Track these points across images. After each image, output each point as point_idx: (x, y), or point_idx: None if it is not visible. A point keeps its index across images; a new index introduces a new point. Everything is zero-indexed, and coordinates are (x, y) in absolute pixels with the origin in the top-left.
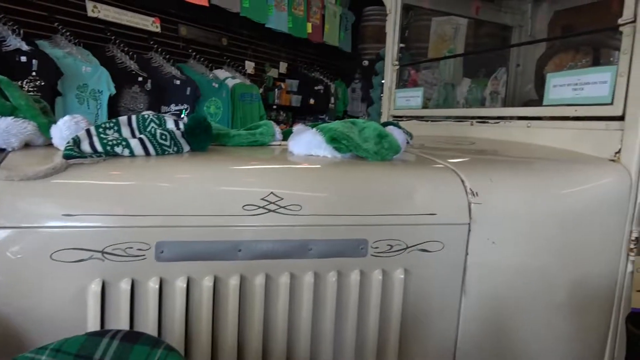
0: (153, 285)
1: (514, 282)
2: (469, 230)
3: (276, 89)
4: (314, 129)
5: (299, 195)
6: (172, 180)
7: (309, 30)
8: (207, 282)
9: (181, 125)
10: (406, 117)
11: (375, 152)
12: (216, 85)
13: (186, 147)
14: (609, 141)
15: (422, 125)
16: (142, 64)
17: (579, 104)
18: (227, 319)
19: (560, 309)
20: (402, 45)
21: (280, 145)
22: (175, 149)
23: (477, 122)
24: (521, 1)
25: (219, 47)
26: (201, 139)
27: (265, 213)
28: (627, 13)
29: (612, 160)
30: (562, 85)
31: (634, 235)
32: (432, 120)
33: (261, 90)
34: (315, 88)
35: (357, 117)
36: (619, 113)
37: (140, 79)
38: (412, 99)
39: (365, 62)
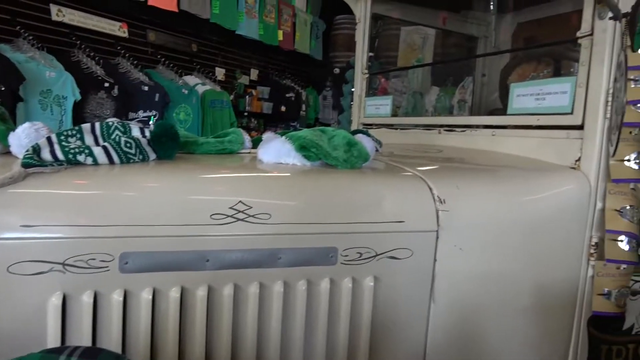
0: (117, 297)
1: (481, 288)
2: (437, 237)
3: (247, 96)
4: (283, 137)
5: (268, 203)
6: (137, 189)
7: (280, 37)
8: (174, 294)
9: (147, 133)
10: (376, 125)
11: (344, 160)
12: (186, 92)
13: (152, 156)
14: (570, 149)
15: (391, 133)
16: (109, 70)
17: (541, 114)
18: (195, 330)
19: (525, 313)
20: (371, 54)
21: (249, 153)
22: (141, 157)
23: (444, 130)
24: (486, 13)
25: (189, 53)
26: (168, 146)
27: (233, 222)
28: (585, 26)
29: (573, 168)
30: (525, 95)
31: (594, 240)
32: (401, 128)
33: (232, 97)
34: (287, 95)
35: (329, 125)
36: (579, 122)
37: (106, 84)
38: (381, 107)
39: (337, 70)
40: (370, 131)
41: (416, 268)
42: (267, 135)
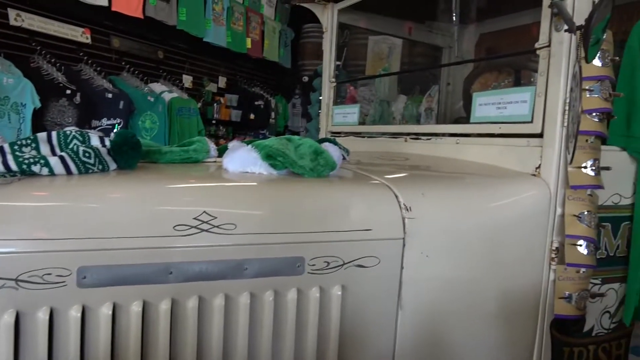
0: (74, 314)
1: (447, 294)
2: (404, 245)
3: (215, 104)
4: (249, 146)
5: (234, 213)
6: (96, 201)
7: (249, 45)
8: (136, 308)
9: (107, 142)
10: (344, 133)
11: (311, 169)
12: (152, 99)
13: (113, 165)
14: (530, 157)
15: (359, 141)
16: (71, 76)
17: (502, 122)
18: (158, 345)
19: (490, 318)
20: (338, 62)
21: (215, 162)
22: (101, 167)
23: (410, 138)
24: (449, 24)
25: (155, 60)
26: (129, 156)
27: (197, 233)
28: (543, 38)
29: (534, 175)
30: (487, 104)
31: (555, 245)
32: (368, 136)
33: (200, 104)
34: (256, 103)
35: (298, 132)
36: (538, 130)
37: (68, 91)
38: (349, 115)
39: (305, 78)
40: (338, 139)
41: (383, 276)
42: (232, 144)
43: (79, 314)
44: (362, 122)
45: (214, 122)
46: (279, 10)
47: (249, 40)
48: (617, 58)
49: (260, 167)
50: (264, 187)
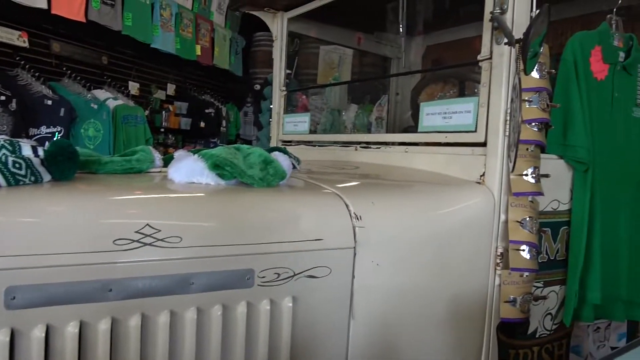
0: (2, 338)
1: (398, 301)
2: (355, 254)
3: (164, 112)
4: (196, 155)
5: (179, 226)
6: (27, 214)
7: (198, 52)
8: (72, 329)
9: (40, 152)
10: (295, 141)
11: (260, 179)
12: (95, 106)
13: (47, 177)
14: (475, 165)
15: (310, 150)
16: (6, 82)
17: (448, 131)
18: None
19: (440, 324)
20: (289, 71)
21: (160, 172)
22: (33, 178)
23: (361, 147)
24: (397, 35)
25: (99, 65)
26: (64, 166)
27: (140, 247)
28: (484, 50)
29: (478, 183)
30: (433, 114)
31: (499, 250)
32: (319, 145)
33: (147, 112)
34: (206, 111)
35: (251, 141)
36: (482, 140)
37: (3, 97)
38: (299, 124)
39: (257, 87)
40: (289, 148)
41: (335, 286)
42: (178, 154)
43: (7, 339)
44: (313, 131)
45: (162, 130)
46: (230, 18)
47: (198, 47)
48: (554, 71)
49: (208, 177)
50: (211, 197)
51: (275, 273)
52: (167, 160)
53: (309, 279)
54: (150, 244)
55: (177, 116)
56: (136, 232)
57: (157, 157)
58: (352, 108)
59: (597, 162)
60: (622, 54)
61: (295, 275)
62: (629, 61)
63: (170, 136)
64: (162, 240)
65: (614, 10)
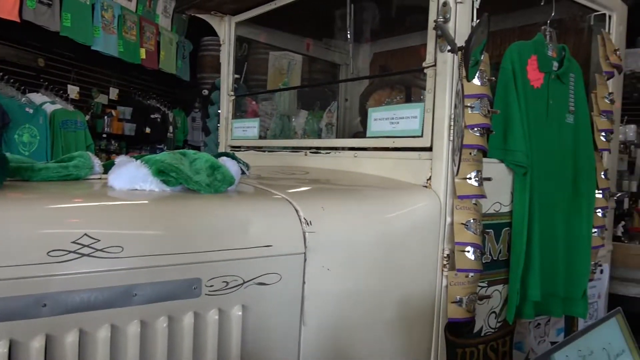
0: None
1: (349, 305)
2: (305, 259)
3: (106, 117)
4: (139, 161)
5: (120, 235)
6: None
7: (143, 55)
8: (0, 349)
9: None
10: (244, 147)
11: (207, 185)
12: (30, 111)
13: None
14: (422, 169)
15: (259, 155)
16: None
17: (395, 136)
18: None
19: (391, 326)
20: (237, 76)
21: (100, 179)
22: None
23: (311, 152)
24: (345, 42)
25: (35, 68)
26: None
27: (77, 258)
28: (429, 58)
29: (425, 187)
30: (381, 119)
31: (446, 252)
32: (269, 151)
33: (88, 117)
34: (152, 116)
35: (199, 147)
36: (428, 144)
37: None
38: (249, 129)
39: (205, 92)
40: (238, 154)
41: (285, 292)
42: (120, 159)
43: None
44: (262, 137)
45: (104, 136)
46: (176, 22)
47: (143, 51)
48: (494, 78)
49: (151, 184)
50: (155, 205)
51: (224, 281)
52: (108, 167)
53: (259, 286)
54: (88, 255)
55: (120, 121)
56: (73, 242)
57: (97, 163)
58: (302, 114)
59: (535, 165)
60: (555, 64)
61: (244, 283)
62: (562, 70)
63: (113, 142)
64: (101, 250)
65: (548, 22)
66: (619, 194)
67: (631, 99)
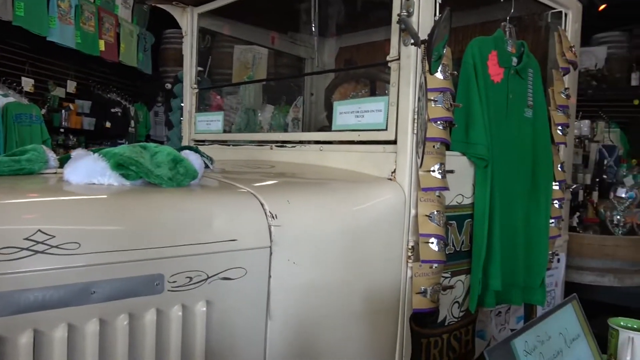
0: None
1: (315, 299)
2: (271, 253)
3: (63, 110)
4: (96, 154)
5: (77, 230)
6: None
7: (102, 47)
8: None
9: None
10: (208, 141)
11: (169, 178)
12: None
13: None
14: (386, 162)
15: (224, 149)
16: None
17: (361, 130)
18: None
19: (357, 318)
20: (200, 68)
21: (55, 173)
22: None
23: (276, 146)
24: (310, 36)
25: None
26: None
27: (30, 256)
28: (393, 52)
29: (390, 179)
30: (346, 113)
31: (410, 244)
32: (233, 145)
33: (44, 111)
34: (112, 110)
35: (162, 142)
36: (392, 138)
37: None
38: (212, 122)
39: (168, 85)
40: (202, 148)
41: (251, 287)
42: (76, 153)
43: None
44: (227, 131)
45: (62, 130)
46: (137, 13)
47: (102, 43)
48: (455, 72)
49: (110, 178)
50: (114, 199)
51: (187, 277)
52: (64, 161)
53: (223, 281)
54: (42, 252)
55: (79, 115)
56: (25, 239)
57: (52, 157)
58: (268, 109)
59: (496, 158)
60: (515, 59)
61: (208, 278)
62: (521, 66)
63: (71, 137)
64: (56, 247)
65: (508, 18)
66: (575, 186)
67: (585, 95)
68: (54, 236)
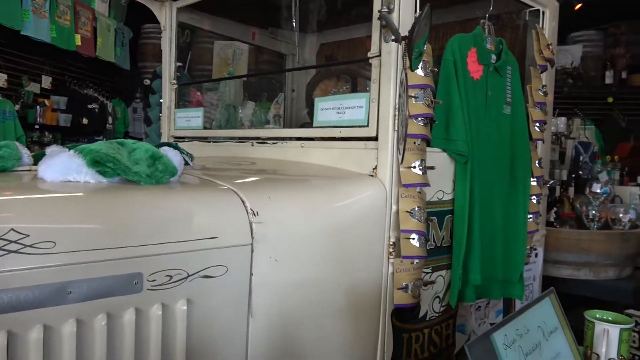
0: None
1: (297, 296)
2: (252, 251)
3: (38, 106)
4: (72, 151)
5: (52, 229)
6: None
7: (78, 42)
8: None
9: None
10: (188, 137)
11: (148, 175)
12: None
13: None
14: (368, 159)
15: (204, 146)
16: None
17: (342, 126)
18: None
19: (339, 314)
20: (180, 64)
21: (29, 170)
22: None
23: (257, 142)
24: (291, 32)
25: None
26: None
27: (3, 255)
28: (374, 48)
29: (371, 176)
30: (327, 109)
31: (392, 240)
32: (214, 141)
33: (17, 107)
34: (89, 106)
35: (141, 139)
36: (374, 134)
37: None
38: (192, 119)
39: (147, 81)
40: (182, 144)
41: (232, 285)
42: (51, 149)
43: None
44: (207, 127)
45: (37, 127)
46: (114, 7)
47: (78, 37)
48: (436, 69)
49: (86, 175)
50: (91, 197)
51: (167, 275)
52: (38, 157)
53: (204, 279)
54: (16, 252)
55: (54, 112)
56: None
57: (25, 153)
58: (249, 105)
59: (475, 154)
60: (494, 56)
61: (189, 276)
62: (500, 63)
63: (47, 134)
64: (31, 246)
65: (487, 16)
66: (552, 182)
67: (562, 93)
68: (28, 235)
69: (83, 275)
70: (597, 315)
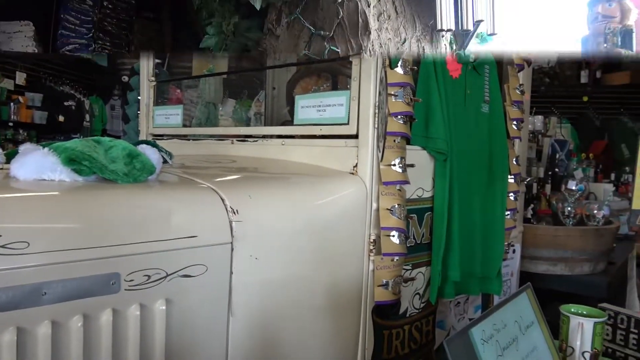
0: None
1: (278, 294)
2: (232, 249)
3: (12, 103)
4: (46, 149)
5: (25, 229)
6: None
7: None
8: None
9: None
10: (167, 135)
11: (125, 174)
12: None
13: None
14: (348, 156)
15: (183, 144)
16: None
17: (323, 124)
18: None
19: (320, 312)
20: (158, 60)
21: (1, 169)
22: None
23: (237, 140)
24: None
25: None
26: None
27: None
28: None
29: (352, 173)
30: (308, 107)
31: (372, 237)
32: (194, 139)
33: None
34: (65, 104)
35: (119, 137)
36: (354, 132)
37: None
38: (171, 116)
39: (125, 78)
40: (160, 142)
41: (212, 284)
42: (24, 147)
43: None
44: (187, 125)
45: (11, 124)
46: None
47: None
48: (415, 68)
49: (61, 174)
50: (66, 196)
51: (145, 275)
52: (11, 155)
53: (183, 278)
54: None
55: (29, 109)
56: None
57: None
58: (230, 103)
59: (454, 152)
60: (472, 55)
61: (168, 275)
62: (478, 62)
63: (21, 131)
64: (3, 247)
65: None
66: (529, 179)
67: (539, 92)
68: (1, 235)
69: (58, 275)
70: (572, 310)
